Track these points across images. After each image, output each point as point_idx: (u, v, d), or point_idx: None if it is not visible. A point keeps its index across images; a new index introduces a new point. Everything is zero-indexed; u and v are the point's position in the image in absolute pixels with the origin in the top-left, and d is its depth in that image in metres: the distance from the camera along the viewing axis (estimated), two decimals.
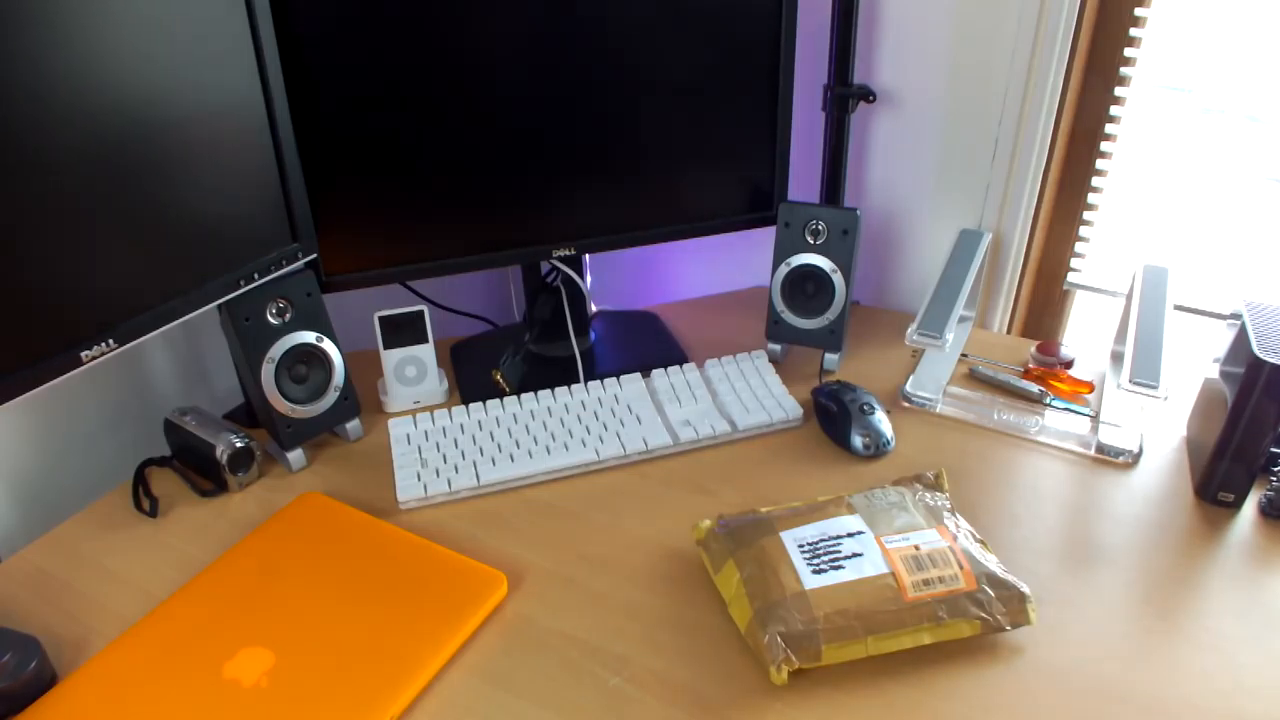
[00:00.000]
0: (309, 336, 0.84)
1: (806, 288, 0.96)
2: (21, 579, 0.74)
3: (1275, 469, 0.78)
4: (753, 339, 1.07)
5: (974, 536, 0.69)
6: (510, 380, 0.99)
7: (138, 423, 0.95)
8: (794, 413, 0.90)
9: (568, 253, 0.96)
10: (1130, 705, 0.60)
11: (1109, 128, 1.01)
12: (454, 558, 0.73)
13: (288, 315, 0.83)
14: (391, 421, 0.89)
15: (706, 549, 0.71)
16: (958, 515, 0.71)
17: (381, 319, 0.94)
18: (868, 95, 1.03)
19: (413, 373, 0.96)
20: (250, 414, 0.92)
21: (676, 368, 0.96)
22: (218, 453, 0.81)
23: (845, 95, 1.01)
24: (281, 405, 0.83)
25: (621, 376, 0.95)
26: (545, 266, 1.03)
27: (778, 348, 1.02)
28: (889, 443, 0.86)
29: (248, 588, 0.70)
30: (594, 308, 1.09)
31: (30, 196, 0.62)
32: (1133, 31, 0.96)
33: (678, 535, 0.77)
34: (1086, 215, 1.07)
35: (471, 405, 0.91)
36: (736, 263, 1.26)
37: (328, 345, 0.86)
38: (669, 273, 1.33)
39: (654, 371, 0.96)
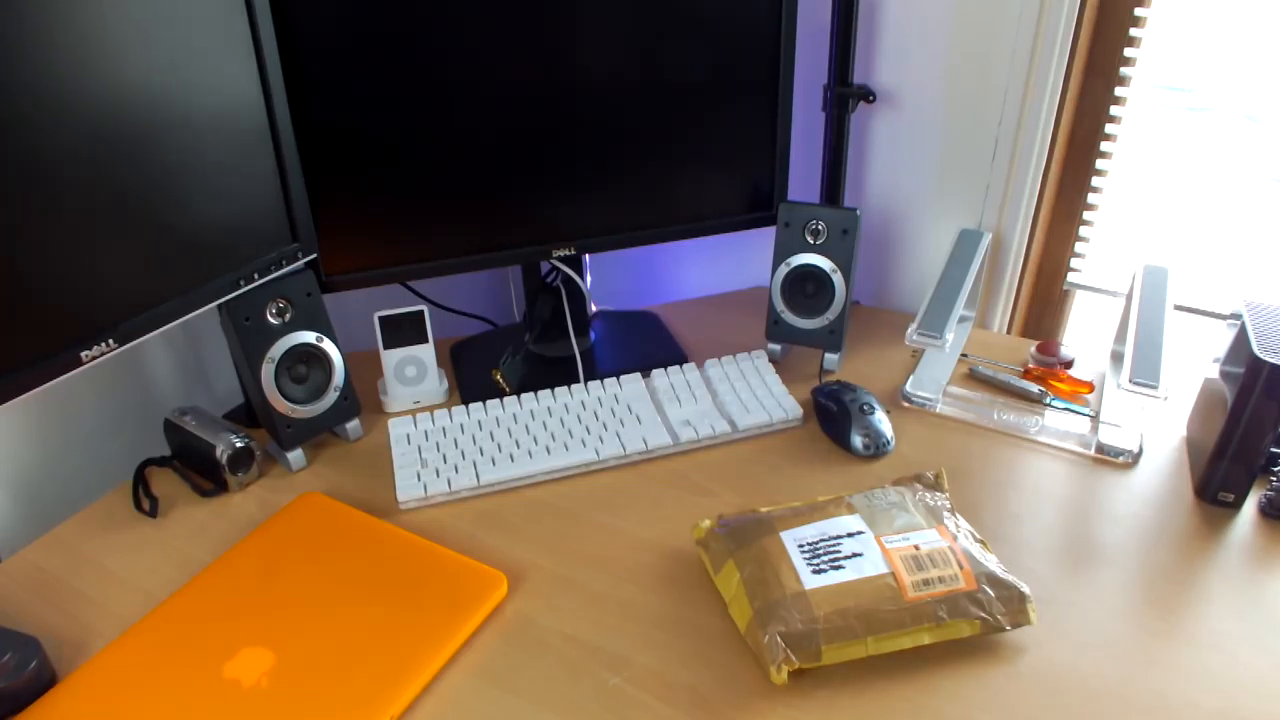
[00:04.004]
0: (309, 336, 0.84)
1: (806, 288, 0.96)
2: (21, 579, 0.74)
3: (1275, 469, 0.78)
4: (753, 339, 1.07)
5: (974, 536, 0.69)
6: (510, 380, 0.99)
7: (138, 423, 0.95)
8: (794, 413, 0.90)
9: (568, 253, 0.96)
10: (1130, 705, 0.60)
11: (1109, 128, 1.01)
12: (454, 558, 0.73)
13: (288, 315, 0.83)
14: (391, 421, 0.89)
15: (706, 549, 0.71)
16: (958, 515, 0.71)
17: (381, 319, 0.94)
18: (868, 95, 1.03)
19: (413, 373, 0.96)
20: (250, 414, 0.92)
21: (676, 368, 0.96)
22: (218, 453, 0.81)
23: (845, 95, 1.01)
24: (281, 405, 0.83)
25: (621, 376, 0.95)
26: (545, 266, 1.03)
27: (778, 348, 1.02)
28: (889, 443, 0.86)
29: (248, 588, 0.70)
30: (594, 308, 1.09)
31: (30, 196, 0.62)
32: (1132, 32, 0.96)
33: (678, 535, 0.77)
34: (1086, 215, 1.07)
35: (471, 405, 0.91)
36: (736, 263, 1.26)
37: (328, 345, 0.86)
38: (669, 273, 1.33)
39: (654, 371, 0.96)
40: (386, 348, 0.94)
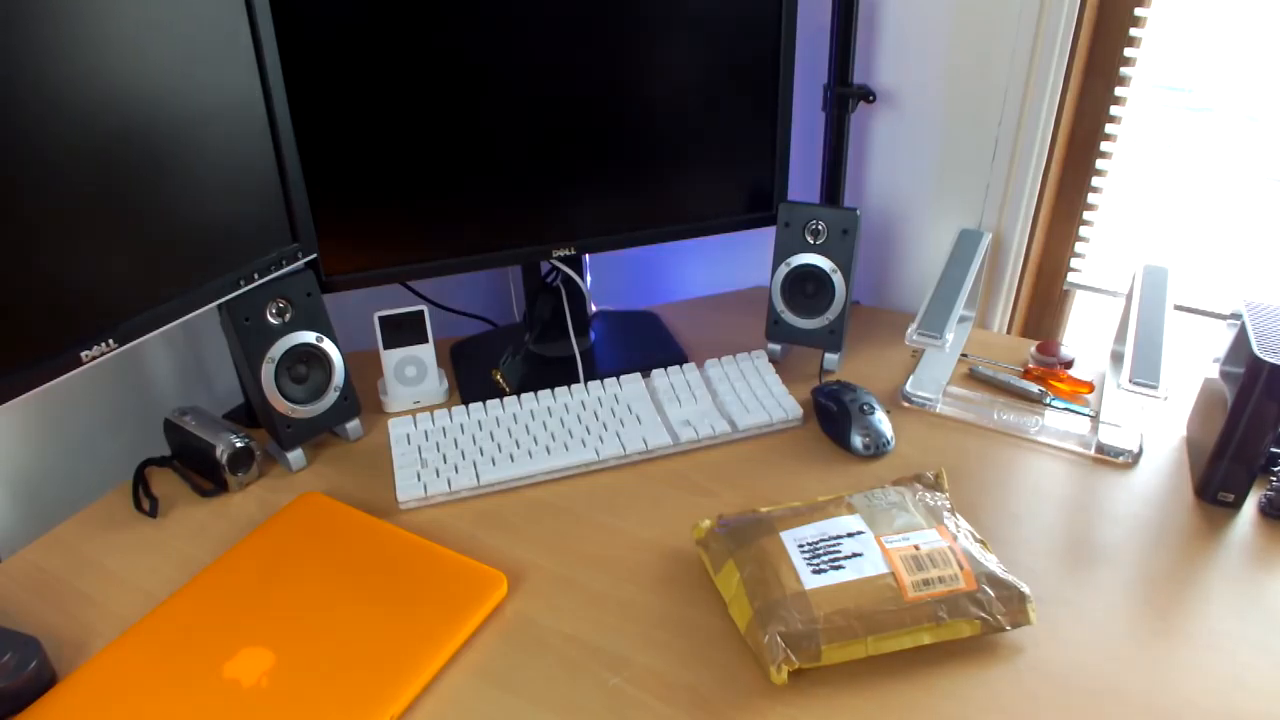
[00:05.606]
0: (309, 336, 0.84)
1: (806, 288, 0.96)
2: (21, 579, 0.74)
3: (1275, 469, 0.78)
4: (753, 339, 1.07)
5: (974, 536, 0.69)
6: (510, 380, 0.99)
7: (138, 423, 0.95)
8: (794, 413, 0.90)
9: (568, 253, 0.96)
10: (1130, 705, 0.60)
11: (1109, 127, 1.01)
12: (454, 558, 0.73)
13: (288, 315, 0.83)
14: (391, 421, 0.89)
15: (706, 549, 0.71)
16: (958, 515, 0.71)
17: (381, 319, 0.94)
18: (868, 95, 1.03)
19: (413, 373, 0.96)
20: (250, 414, 0.92)
21: (676, 368, 0.96)
22: (218, 453, 0.81)
23: (845, 95, 1.01)
24: (281, 405, 0.83)
25: (621, 376, 0.95)
26: (545, 266, 1.03)
27: (778, 348, 1.02)
28: (889, 443, 0.86)
29: (248, 588, 0.70)
30: (594, 308, 1.09)
31: (30, 196, 0.62)
32: (1132, 32, 0.96)
33: (678, 535, 0.77)
34: (1086, 215, 1.07)
35: (471, 405, 0.91)
36: (736, 263, 1.26)
37: (328, 345, 0.86)
38: (669, 273, 1.33)
39: (654, 371, 0.96)
40: (386, 348, 0.94)
